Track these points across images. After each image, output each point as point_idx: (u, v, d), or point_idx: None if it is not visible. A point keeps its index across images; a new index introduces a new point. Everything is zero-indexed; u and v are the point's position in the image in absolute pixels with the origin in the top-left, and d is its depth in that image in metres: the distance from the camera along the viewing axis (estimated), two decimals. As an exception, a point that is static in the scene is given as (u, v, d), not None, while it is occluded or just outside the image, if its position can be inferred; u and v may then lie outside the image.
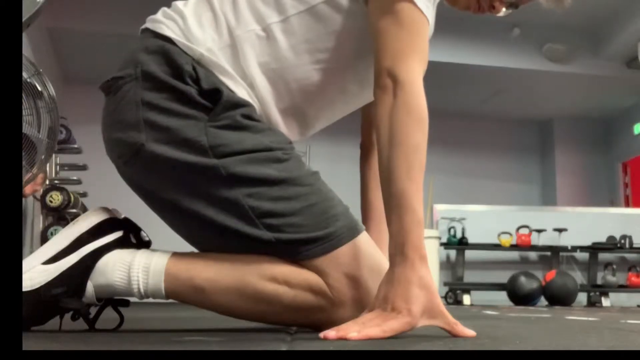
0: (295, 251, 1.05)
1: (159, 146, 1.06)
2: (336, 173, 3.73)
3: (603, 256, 6.36)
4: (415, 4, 1.03)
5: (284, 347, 0.77)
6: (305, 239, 1.04)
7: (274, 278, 1.05)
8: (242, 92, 1.09)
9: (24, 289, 1.03)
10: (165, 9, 1.17)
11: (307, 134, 1.24)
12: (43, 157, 2.44)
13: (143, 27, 1.17)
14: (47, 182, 4.47)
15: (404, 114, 0.99)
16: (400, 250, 0.94)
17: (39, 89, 2.37)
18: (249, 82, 1.10)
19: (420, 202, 0.97)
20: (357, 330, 0.88)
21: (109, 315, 1.13)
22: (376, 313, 0.92)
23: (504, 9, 1.24)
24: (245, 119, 1.07)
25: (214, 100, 1.06)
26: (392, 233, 0.96)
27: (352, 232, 1.07)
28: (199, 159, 1.04)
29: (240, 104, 1.08)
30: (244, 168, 1.04)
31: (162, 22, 1.13)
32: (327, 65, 1.13)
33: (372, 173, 1.39)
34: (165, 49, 1.09)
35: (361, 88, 1.19)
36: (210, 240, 1.10)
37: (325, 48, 1.12)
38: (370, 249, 1.08)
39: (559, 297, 5.69)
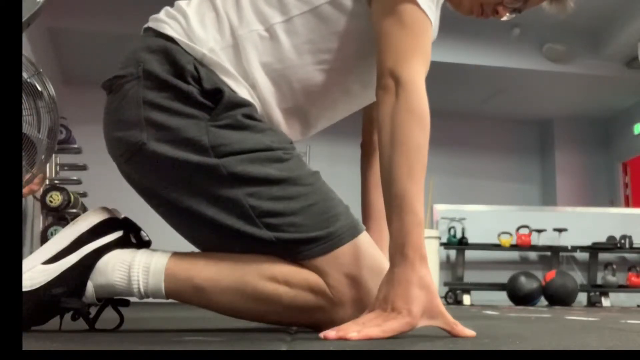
0: (296, 251, 1.05)
1: (160, 145, 1.06)
2: (336, 173, 3.73)
3: (603, 256, 6.36)
4: (418, 5, 1.03)
5: (284, 347, 0.77)
6: (306, 239, 1.04)
7: (274, 278, 1.05)
8: (243, 92, 1.09)
9: (24, 289, 1.03)
10: (168, 8, 1.17)
11: (309, 133, 1.24)
12: (43, 157, 2.44)
13: (145, 26, 1.18)
14: (47, 182, 4.47)
15: (406, 115, 0.99)
16: (400, 250, 0.94)
17: (39, 89, 2.37)
18: (250, 83, 1.10)
19: (421, 202, 0.97)
20: (357, 330, 0.88)
21: (109, 315, 1.13)
22: (376, 313, 0.92)
23: (507, 14, 1.24)
24: (246, 118, 1.07)
25: (215, 100, 1.06)
26: (393, 233, 0.96)
27: (352, 232, 1.07)
28: (200, 158, 1.04)
29: (242, 103, 1.08)
30: (245, 167, 1.04)
31: (165, 22, 1.13)
32: (330, 66, 1.13)
33: (372, 173, 1.39)
34: (167, 48, 1.09)
35: (364, 89, 1.19)
36: (210, 239, 1.10)
37: (328, 49, 1.12)
38: (371, 249, 1.08)
39: (559, 297, 5.69)
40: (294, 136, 1.20)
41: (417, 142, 0.99)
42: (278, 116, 1.14)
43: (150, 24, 1.16)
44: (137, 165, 1.10)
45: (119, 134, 1.11)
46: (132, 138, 1.08)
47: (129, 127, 1.08)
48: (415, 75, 1.01)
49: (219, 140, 1.04)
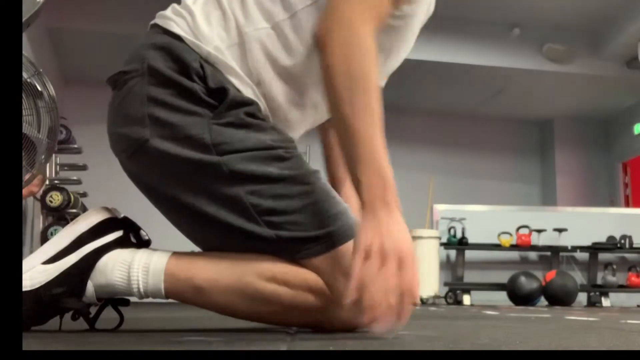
0: (295, 250, 1.04)
1: (162, 142, 1.06)
2: (336, 173, 3.72)
3: (603, 256, 6.36)
4: None
5: (284, 347, 0.77)
6: (306, 237, 1.04)
7: (273, 278, 1.05)
8: (248, 91, 1.10)
9: (24, 289, 1.03)
10: (174, 5, 1.18)
11: (321, 121, 1.25)
12: (43, 157, 2.44)
13: (152, 22, 1.18)
14: (47, 182, 4.47)
15: (346, 48, 1.00)
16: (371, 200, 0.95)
17: (39, 89, 2.37)
18: (256, 80, 1.10)
19: (368, 136, 0.97)
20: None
21: (109, 315, 1.13)
22: (377, 267, 0.91)
23: None
24: (248, 117, 1.07)
25: (219, 98, 1.06)
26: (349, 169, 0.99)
27: (352, 231, 1.06)
28: (201, 155, 1.04)
29: (245, 102, 1.08)
30: (246, 165, 1.04)
31: (171, 19, 1.13)
32: None
33: (333, 149, 1.39)
34: (173, 46, 1.09)
35: None
36: (211, 236, 1.10)
37: None
38: (370, 249, 1.08)
39: (559, 297, 5.69)
40: (307, 126, 1.21)
41: (360, 72, 1.00)
42: (286, 111, 1.14)
43: (157, 20, 1.17)
44: (140, 162, 1.10)
45: (122, 130, 1.11)
46: (135, 134, 1.08)
47: (133, 123, 1.09)
48: (358, 15, 1.02)
49: (221, 138, 1.04)
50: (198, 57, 1.08)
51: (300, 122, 1.19)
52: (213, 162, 1.04)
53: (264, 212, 1.04)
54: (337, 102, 1.00)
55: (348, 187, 1.32)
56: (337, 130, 1.03)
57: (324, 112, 1.22)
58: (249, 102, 1.08)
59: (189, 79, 1.07)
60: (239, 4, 1.13)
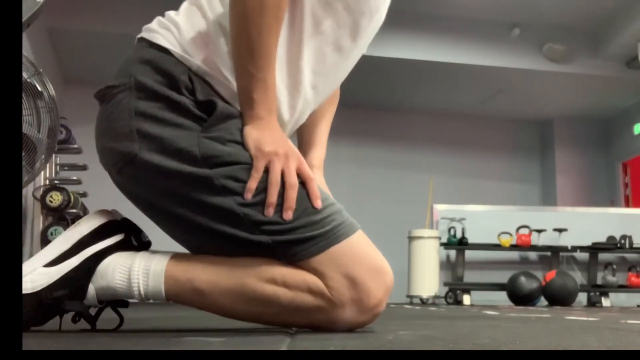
0: (292, 252, 1.04)
1: (152, 155, 1.06)
2: (336, 173, 3.73)
3: (603, 256, 6.36)
4: None
5: (284, 347, 0.77)
6: (302, 239, 1.04)
7: (272, 280, 1.05)
8: (238, 102, 1.09)
9: (25, 292, 1.03)
10: (160, 18, 1.17)
11: (321, 101, 1.25)
12: (43, 157, 2.44)
13: (139, 36, 1.17)
14: (47, 182, 4.48)
15: None
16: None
17: (39, 89, 2.37)
18: None
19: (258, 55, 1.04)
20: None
21: (109, 316, 1.13)
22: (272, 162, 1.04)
23: None
24: (239, 131, 1.07)
25: (208, 111, 1.06)
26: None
27: (347, 230, 1.07)
28: (191, 169, 1.04)
29: (235, 115, 1.08)
30: (237, 179, 1.03)
31: (157, 32, 1.13)
32: (319, 36, 1.14)
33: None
34: (160, 60, 1.09)
35: (354, 41, 1.19)
36: (205, 244, 1.10)
37: (310, 18, 1.13)
38: (367, 248, 1.08)
39: (559, 297, 5.69)
40: (309, 110, 1.21)
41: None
42: (285, 110, 1.15)
43: (144, 34, 1.16)
44: (130, 175, 1.10)
45: (111, 144, 1.11)
46: (124, 148, 1.08)
47: (121, 138, 1.08)
48: None
49: (211, 151, 1.04)
50: (187, 70, 1.08)
51: (304, 107, 1.19)
52: (204, 176, 1.04)
53: (259, 223, 1.03)
54: (244, 20, 1.04)
55: (315, 154, 1.37)
56: (238, 48, 1.07)
57: (324, 92, 1.22)
58: (238, 115, 1.08)
59: (178, 92, 1.07)
60: (221, 8, 1.12)
